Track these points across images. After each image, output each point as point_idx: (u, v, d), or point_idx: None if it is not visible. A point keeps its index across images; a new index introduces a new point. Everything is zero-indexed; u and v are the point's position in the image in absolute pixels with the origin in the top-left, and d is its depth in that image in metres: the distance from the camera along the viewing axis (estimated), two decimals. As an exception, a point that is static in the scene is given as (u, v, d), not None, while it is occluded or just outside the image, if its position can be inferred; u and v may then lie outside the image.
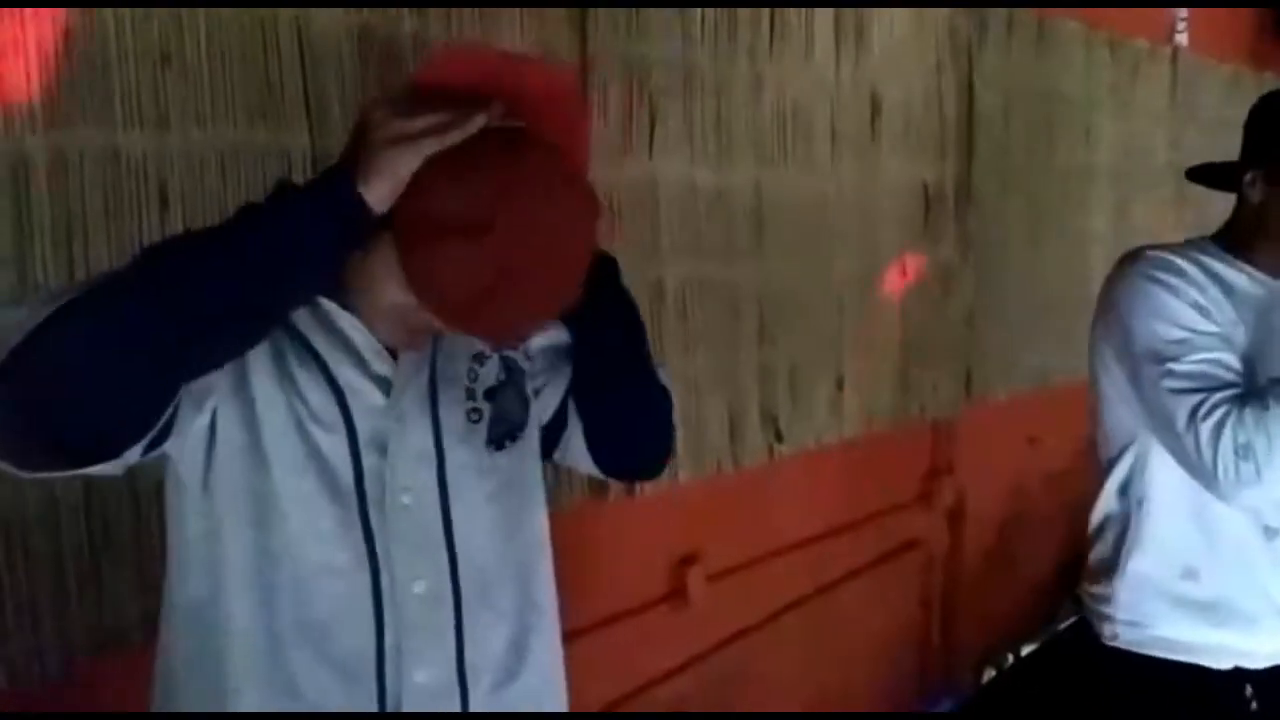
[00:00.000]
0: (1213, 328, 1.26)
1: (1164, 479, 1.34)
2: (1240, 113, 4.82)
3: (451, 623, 0.95)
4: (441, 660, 0.95)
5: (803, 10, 2.29)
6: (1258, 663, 1.35)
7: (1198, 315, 1.26)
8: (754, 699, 2.45)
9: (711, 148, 2.12)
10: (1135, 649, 1.39)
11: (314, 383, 0.92)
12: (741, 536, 2.42)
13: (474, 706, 0.96)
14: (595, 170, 1.84)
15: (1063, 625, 3.33)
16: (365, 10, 1.52)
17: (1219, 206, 4.66)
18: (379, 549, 0.92)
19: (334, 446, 0.92)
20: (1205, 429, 1.18)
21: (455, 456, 0.97)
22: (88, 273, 1.30)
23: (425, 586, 0.94)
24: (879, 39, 2.50)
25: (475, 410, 1.00)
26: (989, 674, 3.21)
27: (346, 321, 0.93)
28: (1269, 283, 1.33)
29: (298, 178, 1.46)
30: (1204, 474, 1.21)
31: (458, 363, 1.00)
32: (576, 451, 1.10)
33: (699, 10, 2.04)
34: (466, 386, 1.00)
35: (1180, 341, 1.24)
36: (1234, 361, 1.24)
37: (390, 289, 0.87)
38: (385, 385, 0.94)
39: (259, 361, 0.90)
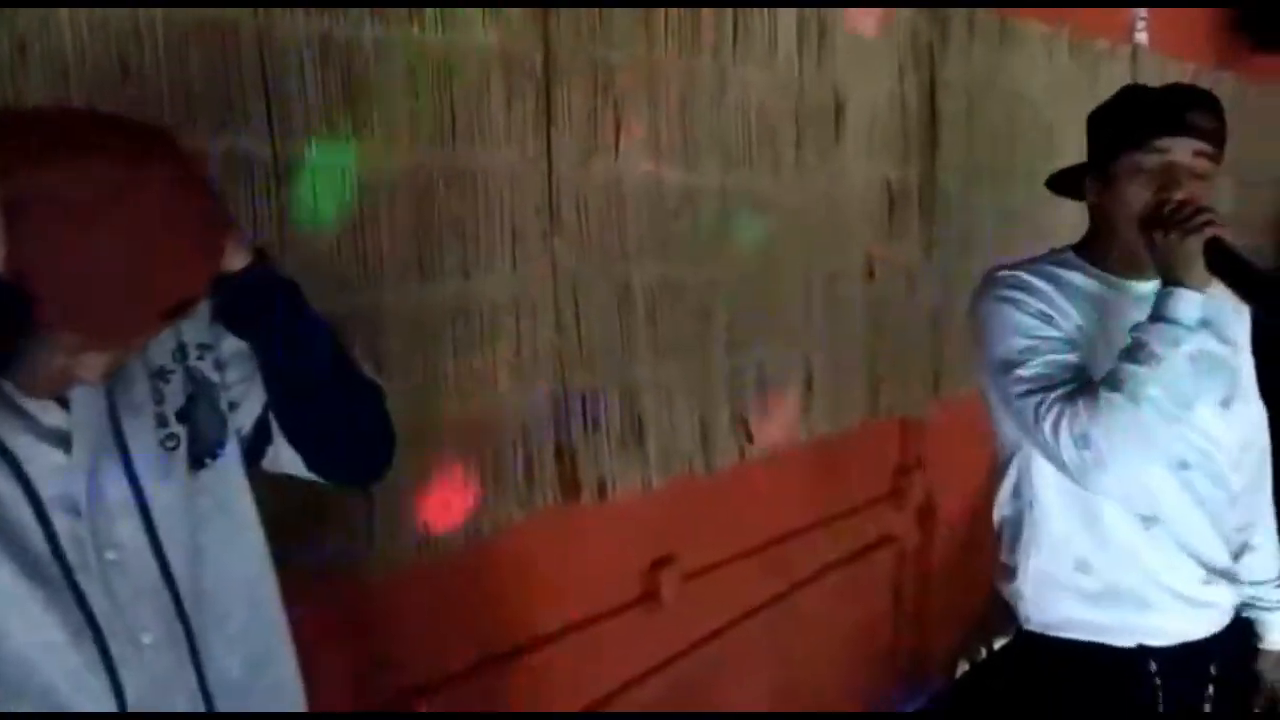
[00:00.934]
0: (1055, 333, 1.33)
1: (1047, 480, 1.40)
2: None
3: (189, 661, 0.94)
4: (186, 699, 0.94)
5: (765, 11, 2.30)
6: (1161, 640, 1.42)
7: (1040, 323, 1.34)
8: (728, 698, 2.46)
9: (677, 149, 2.13)
10: (1047, 631, 1.47)
11: None
12: (714, 537, 2.43)
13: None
14: (562, 171, 1.88)
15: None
16: (326, 17, 1.51)
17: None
18: (97, 612, 0.87)
19: (19, 519, 0.84)
20: (1047, 425, 1.25)
21: (159, 495, 0.92)
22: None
23: (153, 636, 0.91)
24: (841, 40, 2.52)
25: (171, 437, 0.94)
26: (963, 668, 3.23)
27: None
28: (1114, 281, 1.39)
29: (261, 188, 1.46)
30: (1061, 467, 1.28)
31: (137, 388, 0.93)
32: (286, 460, 1.06)
33: (662, 11, 2.04)
34: (155, 412, 0.94)
35: (1024, 349, 1.32)
36: (1076, 361, 1.31)
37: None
38: (62, 439, 0.87)
39: None
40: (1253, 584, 1.51)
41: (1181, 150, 1.30)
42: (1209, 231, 1.24)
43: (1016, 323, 1.34)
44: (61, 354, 0.80)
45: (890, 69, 2.71)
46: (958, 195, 3.01)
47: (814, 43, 2.44)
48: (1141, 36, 4.13)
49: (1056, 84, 3.50)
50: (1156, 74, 4.20)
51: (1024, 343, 1.32)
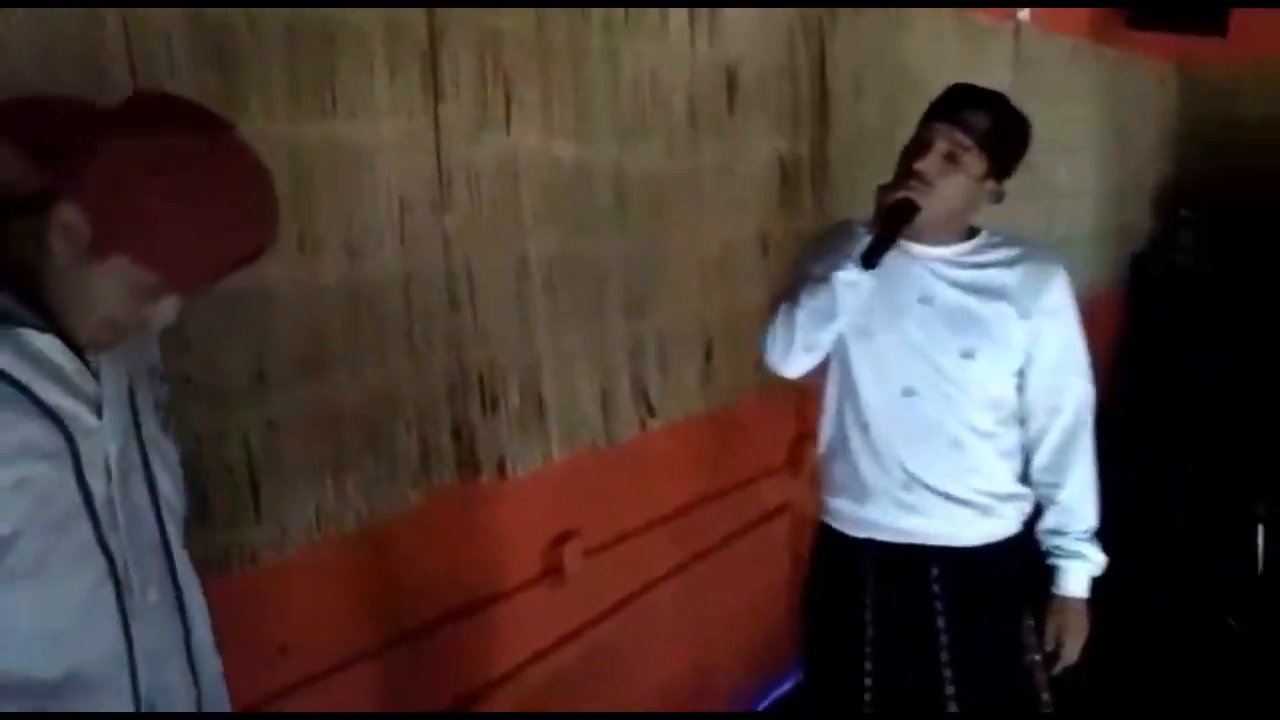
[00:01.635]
0: (810, 262, 1.63)
1: (828, 386, 1.73)
2: (1082, 83, 5.14)
3: (179, 621, 1.04)
4: (178, 658, 1.04)
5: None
6: (883, 535, 1.68)
7: (807, 255, 1.66)
8: (633, 669, 2.49)
9: (570, 122, 2.12)
10: (820, 515, 1.80)
11: (28, 415, 0.91)
12: (616, 510, 2.45)
13: (205, 696, 1.07)
14: (452, 145, 1.85)
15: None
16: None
17: (1062, 175, 4.95)
18: (117, 566, 0.98)
19: (62, 472, 0.94)
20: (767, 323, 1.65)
21: (159, 467, 1.04)
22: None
23: (156, 594, 1.02)
24: (733, 15, 2.54)
25: (166, 420, 1.08)
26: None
27: (47, 344, 0.93)
28: (903, 246, 1.60)
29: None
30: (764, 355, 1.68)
31: (144, 375, 1.06)
32: None
33: (551, -18, 2.02)
34: (154, 398, 1.07)
35: (788, 274, 1.68)
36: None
37: (112, 293, 0.92)
38: (95, 405, 0.97)
39: None
40: (1052, 533, 1.70)
41: (928, 134, 1.56)
42: (903, 193, 1.51)
43: (796, 256, 1.72)
44: (140, 300, 0.93)
45: (781, 43, 2.74)
46: (848, 169, 3.08)
47: (705, 17, 2.46)
48: (1024, 14, 4.26)
49: (943, 60, 3.59)
50: (1038, 50, 4.35)
51: (790, 271, 1.68)
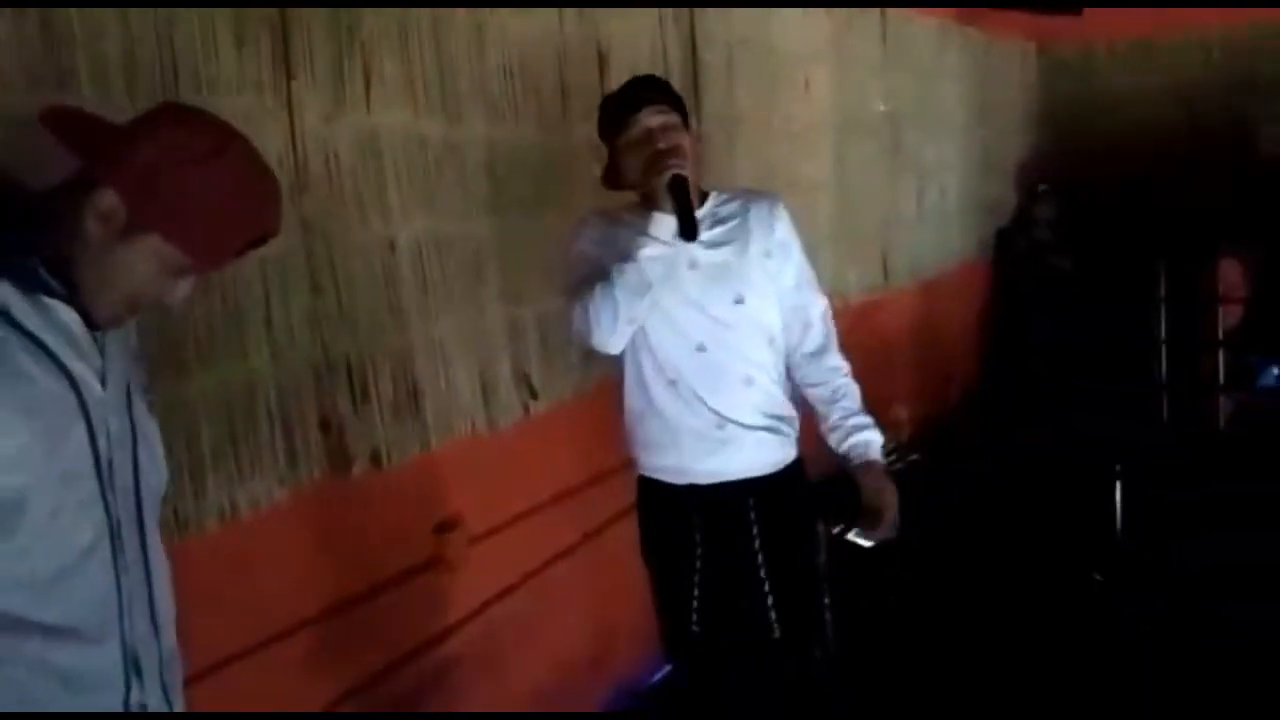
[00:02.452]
0: (594, 253, 1.78)
1: (624, 360, 1.88)
2: (947, 62, 5.27)
3: (146, 583, 1.12)
4: (145, 614, 1.12)
5: (521, -39, 2.25)
6: (704, 479, 1.86)
7: (587, 246, 1.81)
8: (527, 652, 2.47)
9: (436, 101, 2.06)
10: (644, 473, 1.96)
11: (50, 373, 1.01)
12: (502, 496, 2.41)
13: (165, 653, 1.14)
14: (307, 123, 1.77)
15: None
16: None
17: (929, 152, 5.09)
18: (113, 524, 1.07)
19: (77, 431, 1.03)
20: (574, 311, 1.77)
21: (142, 445, 1.13)
22: None
23: (132, 554, 1.10)
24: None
25: (153, 403, 1.18)
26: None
27: (68, 316, 1.03)
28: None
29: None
30: (579, 339, 1.81)
31: (129, 360, 1.15)
32: None
33: (410, -43, 1.96)
34: (141, 383, 1.17)
35: (572, 266, 1.81)
36: (600, 270, 1.75)
37: (140, 271, 1.03)
38: (101, 377, 1.06)
39: None
40: (847, 417, 1.92)
41: (651, 117, 1.74)
42: (672, 171, 1.67)
43: (571, 249, 1.83)
44: (166, 277, 1.05)
45: (651, 21, 2.73)
46: (722, 146, 3.10)
47: (573, -7, 2.43)
48: (891, -7, 4.37)
49: (812, 39, 3.66)
50: (904, 30, 4.48)
51: (571, 262, 1.82)
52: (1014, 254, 5.78)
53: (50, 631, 1.02)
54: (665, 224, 1.68)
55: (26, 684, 1.01)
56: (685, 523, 1.88)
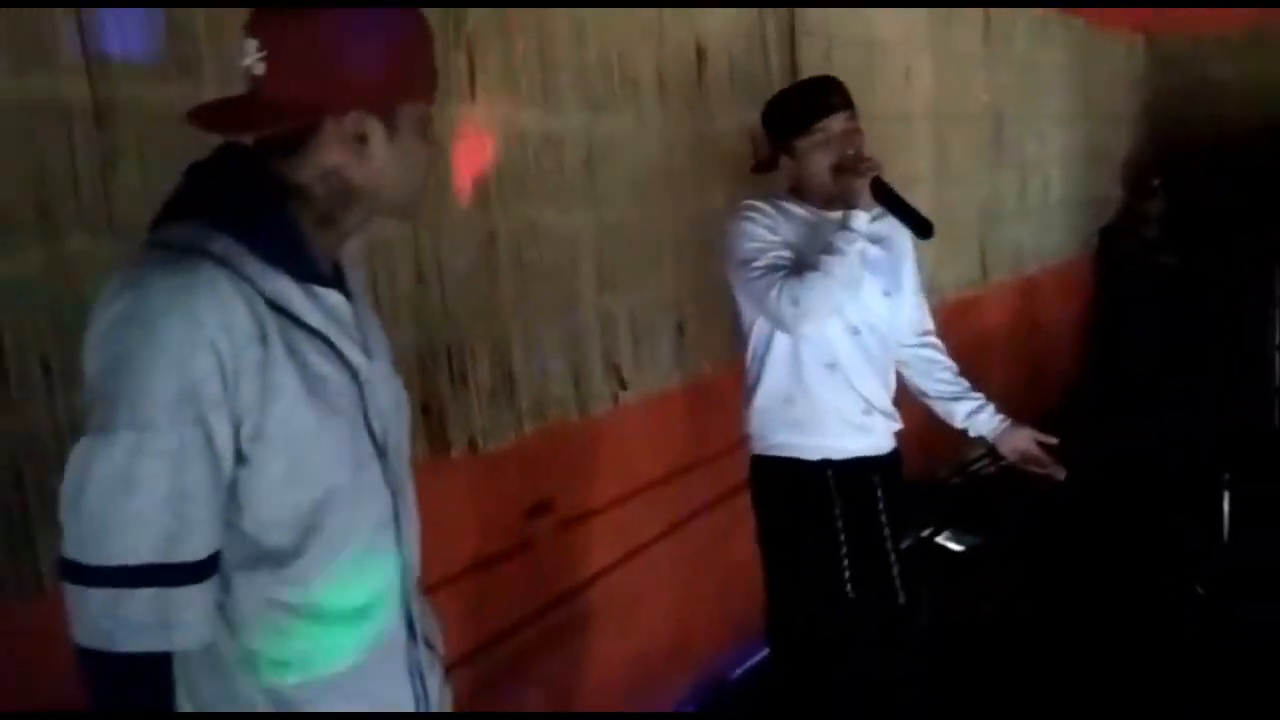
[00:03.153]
0: (775, 238, 1.92)
1: (769, 343, 2.00)
2: (1051, 54, 5.13)
3: (395, 540, 1.12)
4: (415, 567, 1.17)
5: (624, -45, 2.27)
6: (838, 455, 2.00)
7: (766, 232, 1.93)
8: (610, 641, 2.50)
9: (537, 93, 2.10)
10: (766, 452, 2.06)
11: (335, 367, 1.03)
12: (591, 484, 2.45)
13: (420, 608, 1.19)
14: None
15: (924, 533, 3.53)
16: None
17: (1031, 146, 4.97)
18: (388, 482, 1.10)
19: (350, 399, 1.05)
20: (772, 294, 1.87)
21: (397, 403, 1.15)
22: None
23: (407, 517, 1.14)
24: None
25: (395, 364, 1.20)
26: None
27: (336, 299, 1.05)
28: (816, 212, 1.97)
29: (80, 133, 1.36)
30: (778, 320, 1.91)
31: (375, 320, 1.18)
32: None
33: (515, -49, 1.99)
34: (385, 340, 1.19)
35: (756, 249, 1.92)
36: (789, 256, 1.92)
37: (416, 145, 1.04)
38: (365, 350, 1.08)
39: (285, 379, 0.98)
40: (983, 405, 2.10)
41: (842, 121, 1.90)
42: (872, 173, 1.85)
43: (749, 231, 1.93)
44: (425, 141, 1.06)
45: (750, 14, 2.72)
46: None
47: (673, -13, 2.43)
48: (994, -17, 4.26)
49: (912, 31, 3.59)
50: (1007, 21, 4.36)
51: (755, 245, 1.92)
52: (1118, 252, 5.57)
53: (355, 613, 1.07)
54: (862, 220, 1.86)
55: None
56: (825, 497, 1.99)
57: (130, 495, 0.90)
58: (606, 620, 2.49)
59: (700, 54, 2.53)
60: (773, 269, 1.88)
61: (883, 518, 2.00)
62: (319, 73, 0.96)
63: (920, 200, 3.73)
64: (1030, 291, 4.95)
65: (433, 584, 2.00)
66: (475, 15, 1.91)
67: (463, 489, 2.09)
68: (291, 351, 0.98)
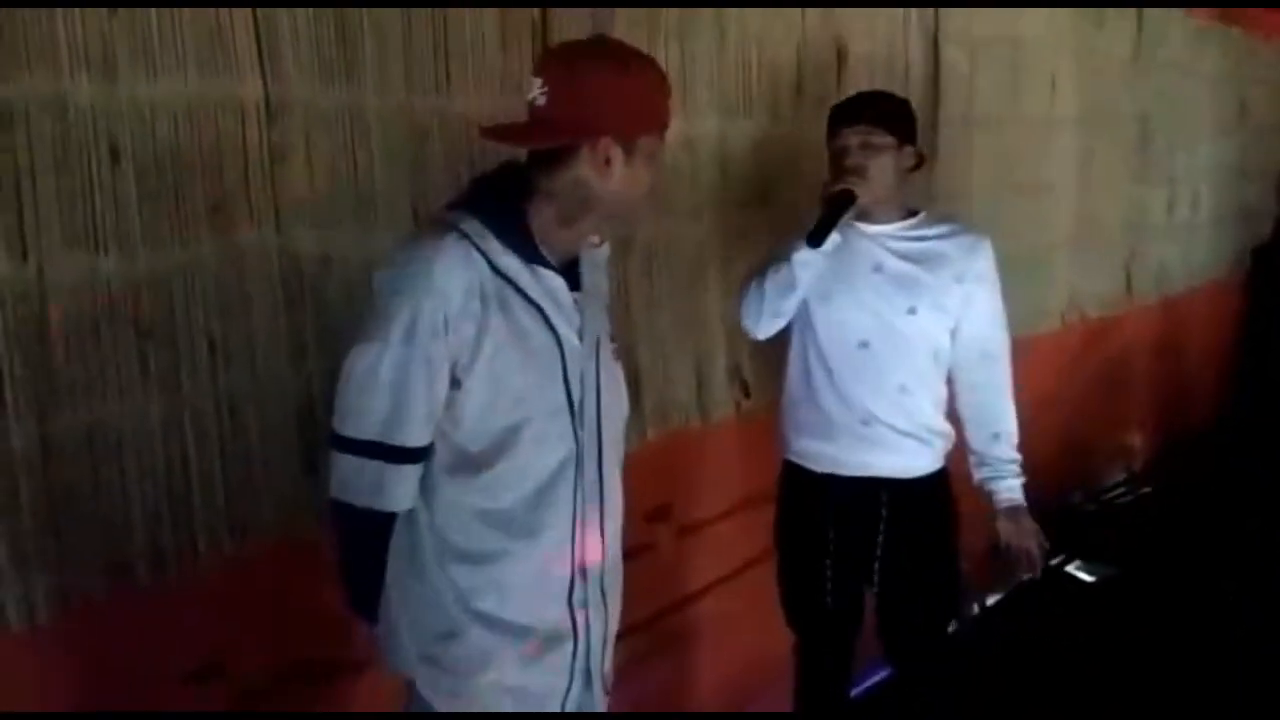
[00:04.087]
0: (787, 248, 1.88)
1: (789, 350, 2.03)
2: (1205, 65, 4.86)
3: (598, 496, 1.37)
4: (596, 527, 1.37)
5: (770, -41, 2.25)
6: (844, 471, 1.99)
7: (779, 244, 1.92)
8: (723, 648, 2.48)
9: (676, 97, 2.09)
10: (789, 458, 2.10)
11: (543, 331, 1.28)
12: (711, 491, 2.44)
13: (609, 559, 1.42)
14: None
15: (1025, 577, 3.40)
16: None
17: (1181, 158, 4.70)
18: (580, 450, 1.33)
19: (555, 378, 1.30)
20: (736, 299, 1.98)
21: (605, 386, 1.37)
22: (37, 228, 1.28)
23: (592, 476, 1.36)
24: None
25: (617, 350, 1.43)
26: (952, 626, 3.26)
27: (556, 283, 1.29)
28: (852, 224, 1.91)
29: (251, 130, 1.44)
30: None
31: (602, 313, 1.40)
32: None
33: (665, -46, 2.01)
34: (609, 332, 1.41)
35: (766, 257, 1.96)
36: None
37: (645, 173, 1.28)
38: (579, 333, 1.32)
39: (499, 331, 1.25)
40: (1001, 460, 2.01)
41: (850, 136, 1.87)
42: (841, 185, 1.82)
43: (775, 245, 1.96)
44: (653, 169, 1.30)
45: (893, 19, 2.67)
46: (960, 147, 2.99)
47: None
48: (1147, -12, 4.07)
49: (1061, 35, 3.46)
50: (1159, 28, 4.14)
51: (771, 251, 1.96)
52: (1274, 273, 5.24)
53: (525, 524, 1.30)
54: (817, 225, 1.83)
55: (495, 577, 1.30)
56: (822, 508, 2.03)
57: (367, 387, 1.23)
58: (720, 627, 2.47)
59: (840, 56, 2.50)
60: (751, 274, 1.97)
61: (879, 539, 1.99)
62: (584, 107, 1.22)
63: (1061, 211, 3.62)
64: (1177, 313, 4.69)
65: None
66: (622, 21, 1.93)
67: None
68: (506, 309, 1.25)
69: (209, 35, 1.39)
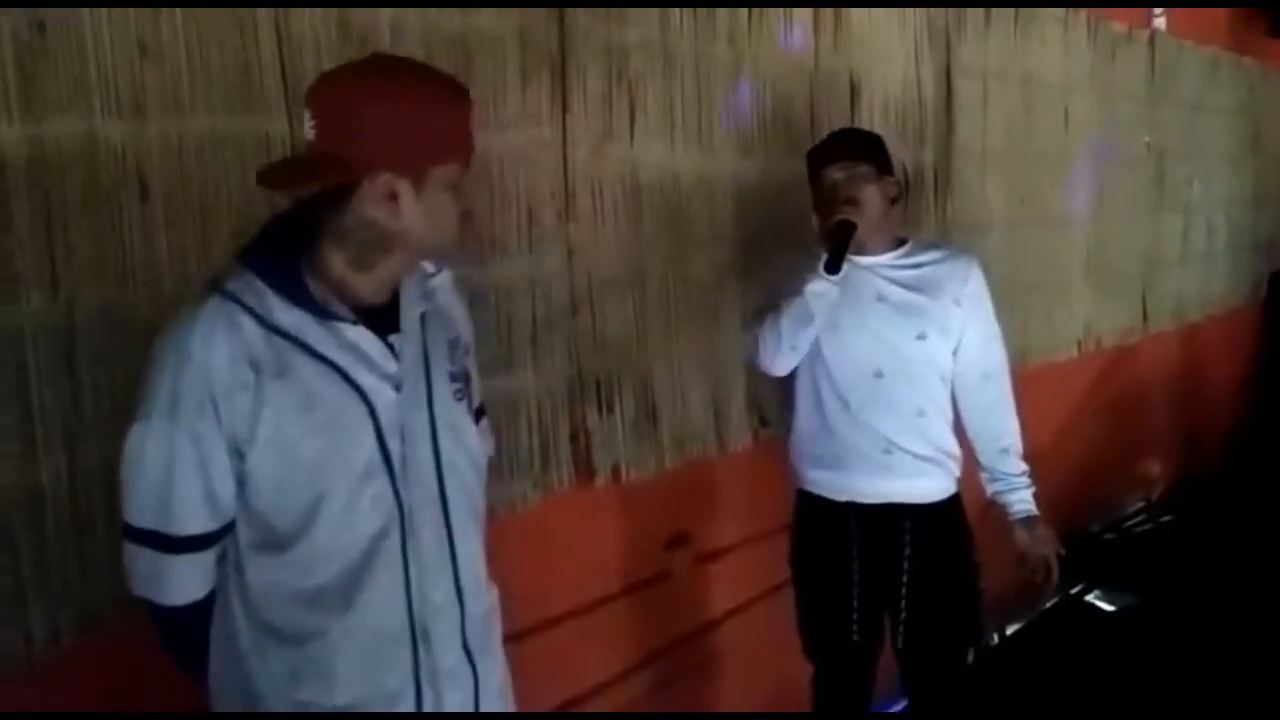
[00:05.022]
0: (788, 284, 1.91)
1: (798, 381, 2.03)
2: (1219, 96, 4.88)
3: (449, 558, 1.22)
4: (445, 590, 1.22)
5: (782, -6, 2.29)
6: (864, 499, 1.99)
7: (781, 279, 1.95)
8: (742, 678, 2.47)
9: (692, 134, 2.13)
10: (804, 487, 2.10)
11: (340, 391, 1.14)
12: (729, 519, 2.44)
13: (469, 618, 1.24)
14: (577, 156, 1.88)
15: (1049, 603, 3.37)
16: (344, -3, 1.52)
17: (1196, 188, 4.68)
18: (404, 513, 1.17)
19: (364, 438, 1.15)
20: (748, 337, 2.01)
21: (443, 430, 1.21)
22: (68, 264, 1.30)
23: (431, 534, 1.20)
24: (858, 23, 2.51)
25: (459, 390, 1.25)
26: (971, 654, 3.24)
27: (358, 334, 1.15)
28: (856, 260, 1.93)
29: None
30: (753, 361, 2.02)
31: (440, 350, 1.24)
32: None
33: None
34: (449, 371, 1.24)
35: (767, 294, 1.99)
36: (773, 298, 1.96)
37: (446, 201, 1.14)
38: (395, 382, 1.17)
39: (280, 398, 1.10)
40: (1011, 474, 2.03)
41: (834, 172, 1.92)
42: (840, 216, 1.87)
43: (773, 282, 1.98)
44: (455, 200, 1.15)
45: (906, 52, 2.69)
46: (974, 179, 3.00)
47: (830, 27, 2.44)
48: (1160, 22, 4.09)
49: (1073, 68, 3.48)
50: (1173, 59, 4.16)
51: (769, 291, 1.99)
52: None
53: (342, 601, 1.16)
54: (823, 259, 1.85)
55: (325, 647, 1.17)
56: (844, 537, 2.02)
57: (137, 473, 1.12)
58: (739, 656, 2.46)
59: (854, 91, 2.52)
60: (759, 312, 1.99)
61: (904, 564, 1.98)
62: (351, 139, 1.08)
63: (1076, 241, 3.63)
64: (1193, 341, 4.67)
65: (580, 606, 2.06)
66: (639, 59, 1.96)
67: (605, 517, 2.12)
68: (287, 373, 1.11)
69: (239, 74, 1.43)
